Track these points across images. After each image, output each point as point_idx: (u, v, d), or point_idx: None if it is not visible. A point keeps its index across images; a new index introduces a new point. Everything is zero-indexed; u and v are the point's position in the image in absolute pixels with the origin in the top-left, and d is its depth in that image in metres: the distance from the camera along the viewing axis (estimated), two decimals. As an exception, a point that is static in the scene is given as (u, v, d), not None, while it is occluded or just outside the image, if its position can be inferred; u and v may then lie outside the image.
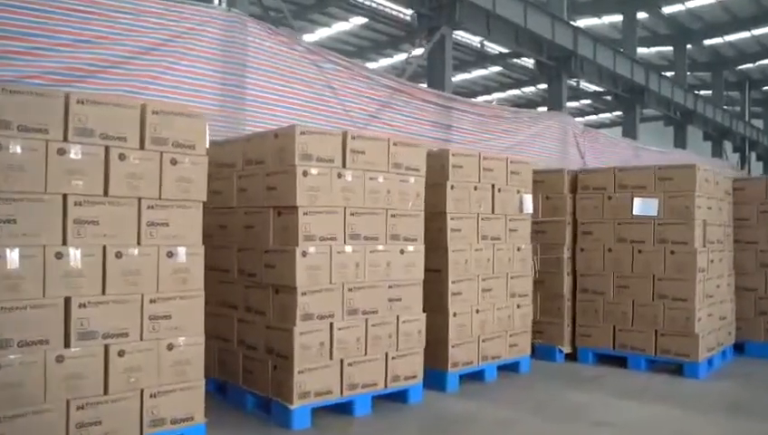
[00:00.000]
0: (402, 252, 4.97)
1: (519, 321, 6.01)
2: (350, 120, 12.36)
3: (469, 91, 27.58)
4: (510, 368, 6.07)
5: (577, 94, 26.58)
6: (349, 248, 4.66)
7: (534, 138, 16.73)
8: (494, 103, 28.29)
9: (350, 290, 4.66)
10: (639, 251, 6.29)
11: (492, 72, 25.98)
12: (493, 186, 5.78)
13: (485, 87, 27.52)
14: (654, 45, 23.56)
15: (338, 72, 13.02)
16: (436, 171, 5.53)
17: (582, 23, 21.88)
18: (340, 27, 21.68)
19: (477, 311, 5.63)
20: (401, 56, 24.37)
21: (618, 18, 21.26)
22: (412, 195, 5.05)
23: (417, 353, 5.08)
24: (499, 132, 16.15)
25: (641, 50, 23.56)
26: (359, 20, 21.04)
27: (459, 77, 26.57)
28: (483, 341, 5.68)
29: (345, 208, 4.61)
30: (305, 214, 4.42)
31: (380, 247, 4.85)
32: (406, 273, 4.99)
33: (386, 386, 4.87)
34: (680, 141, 22.46)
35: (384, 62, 25.10)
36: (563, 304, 6.62)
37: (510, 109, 18.72)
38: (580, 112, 30.32)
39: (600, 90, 23.18)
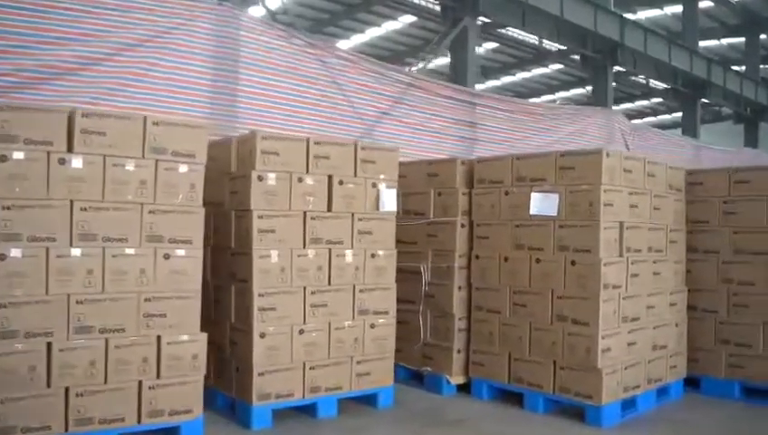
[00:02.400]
0: (167, 257, 3.89)
1: (372, 345, 4.71)
2: (359, 117, 11.35)
3: (530, 90, 25.82)
4: (364, 401, 4.82)
5: (633, 94, 24.35)
6: (77, 252, 3.65)
7: (574, 136, 15.04)
8: (558, 103, 26.45)
9: (78, 302, 3.65)
10: (537, 260, 4.86)
11: (553, 71, 24.21)
12: (330, 177, 4.56)
13: (548, 86, 25.69)
14: (724, 37, 21.06)
15: (344, 68, 12.06)
16: (245, 159, 4.42)
17: (643, 14, 19.81)
18: (389, 26, 20.77)
19: (301, 331, 4.43)
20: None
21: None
22: (183, 187, 3.97)
23: (193, 383, 3.98)
24: (532, 130, 14.64)
25: (710, 42, 21.14)
26: (408, 18, 20.05)
27: (519, 76, 24.93)
28: (311, 368, 4.46)
29: (72, 202, 3.61)
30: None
31: (130, 251, 3.80)
32: (172, 283, 3.90)
33: (139, 422, 3.82)
34: (751, 140, 19.89)
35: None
36: (453, 325, 5.27)
37: (544, 105, 17.11)
38: (639, 114, 27.78)
39: (658, 88, 21.02)
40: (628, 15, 17.96)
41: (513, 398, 4.96)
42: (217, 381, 4.63)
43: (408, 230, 5.50)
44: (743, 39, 20.63)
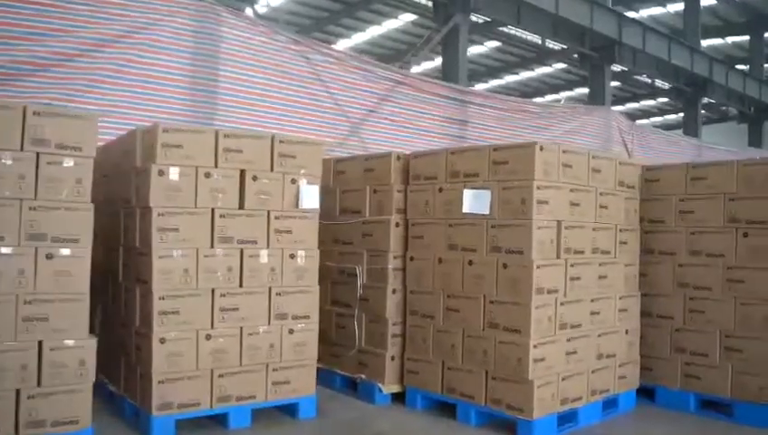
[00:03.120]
0: (49, 257, 3.59)
1: (291, 351, 4.37)
2: (344, 114, 11.05)
3: (534, 89, 25.36)
4: (284, 411, 4.49)
5: (638, 94, 23.76)
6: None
7: (570, 135, 14.64)
8: (562, 102, 25.95)
9: (-58, 306, 3.36)
10: (470, 262, 4.50)
11: (556, 70, 23.73)
12: (242, 172, 4.24)
13: (552, 85, 25.21)
14: (728, 35, 20.46)
15: (328, 64, 11.77)
16: (148, 152, 4.10)
17: (645, 12, 19.28)
18: (390, 24, 20.45)
19: (208, 337, 4.11)
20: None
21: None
22: (68, 182, 3.65)
23: (80, 391, 3.66)
24: (525, 129, 14.27)
25: (715, 41, 20.57)
26: (408, 16, 19.74)
27: (523, 75, 24.47)
28: (220, 376, 4.13)
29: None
30: None
31: (6, 251, 3.48)
32: (56, 284, 3.58)
33: (17, 433, 3.53)
34: (755, 140, 19.30)
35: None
36: (387, 330, 4.91)
37: (538, 103, 16.68)
38: (645, 114, 27.14)
39: (664, 87, 20.46)
40: (630, 13, 17.47)
41: (447, 409, 4.59)
42: (126, 388, 4.33)
43: (345, 230, 5.17)
44: (747, 37, 20.03)
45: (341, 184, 5.24)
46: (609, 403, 4.75)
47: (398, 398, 4.87)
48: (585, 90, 24.28)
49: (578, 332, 4.42)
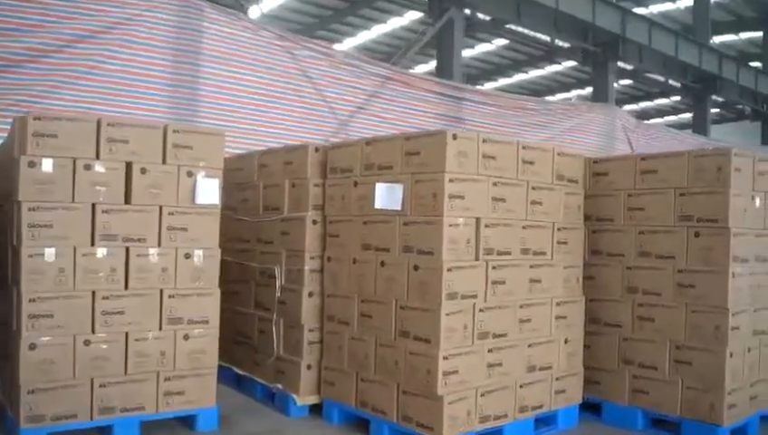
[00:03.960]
0: None
1: (186, 359, 3.94)
2: (331, 111, 10.70)
3: (545, 87, 24.68)
4: (182, 424, 4.07)
5: (651, 92, 22.89)
6: None
7: (571, 132, 14.07)
8: (573, 100, 25.21)
9: None
10: (382, 264, 4.05)
11: (566, 68, 23.04)
12: (129, 164, 3.82)
13: (562, 83, 24.50)
14: (741, 31, 19.58)
15: (315, 60, 11.40)
16: (20, 143, 3.72)
17: (655, 8, 18.52)
18: (395, 23, 20.03)
19: (87, 342, 3.70)
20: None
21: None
22: None
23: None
24: (523, 126, 13.74)
25: (727, 37, 19.71)
26: (414, 15, 19.30)
27: (532, 73, 23.83)
28: (101, 386, 3.72)
29: None
30: None
31: None
32: None
33: None
34: (769, 138, 18.46)
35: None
36: (303, 337, 4.47)
37: (537, 100, 16.07)
38: (659, 113, 26.19)
39: (678, 85, 19.64)
40: (640, 10, 16.76)
41: (364, 425, 4.13)
42: (7, 398, 3.97)
43: (266, 228, 4.75)
44: (761, 33, 19.13)
45: (264, 178, 4.82)
46: (545, 421, 4.24)
47: (318, 410, 4.43)
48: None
49: (502, 341, 3.92)
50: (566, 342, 4.31)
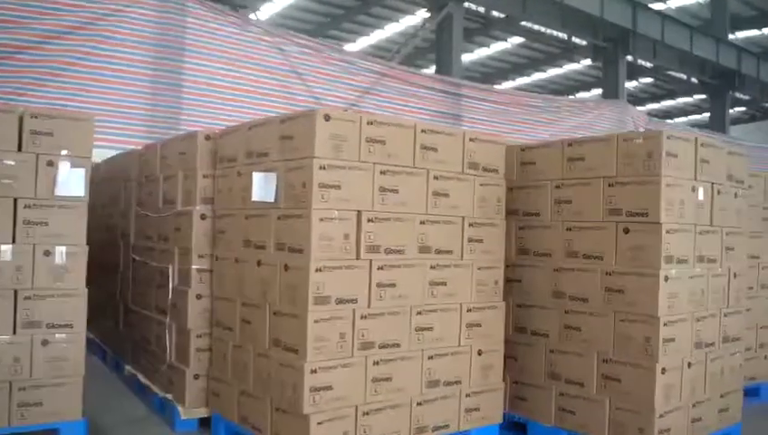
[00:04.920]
0: None
1: (46, 367, 3.45)
2: (321, 108, 10.32)
3: (563, 86, 23.79)
4: (44, 438, 3.66)
5: (673, 91, 21.83)
6: None
7: (578, 129, 13.37)
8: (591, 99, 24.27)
9: None
10: (259, 263, 3.54)
11: (585, 66, 22.13)
12: (-25, 152, 3.43)
13: (582, 82, 23.59)
14: (765, 26, 18.44)
15: (305, 56, 10.99)
16: None
17: (673, 3, 17.57)
18: (408, 21, 19.51)
19: None
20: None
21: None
22: None
23: None
24: (527, 123, 13.16)
25: (750, 33, 18.58)
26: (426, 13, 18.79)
27: (550, 72, 22.97)
28: (-62, 397, 3.35)
29: None
30: None
31: None
32: None
33: None
34: (795, 136, 17.32)
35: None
36: (190, 343, 4.00)
37: (541, 96, 15.36)
38: (682, 112, 24.97)
39: (694, 81, 18.64)
40: (657, 5, 15.88)
41: (250, 441, 3.66)
42: None
43: (164, 223, 4.30)
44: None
45: (165, 170, 4.37)
46: (455, 442, 3.69)
47: (208, 424, 3.94)
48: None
49: (393, 352, 3.37)
50: (480, 353, 3.73)
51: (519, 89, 21.92)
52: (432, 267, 3.53)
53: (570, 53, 20.81)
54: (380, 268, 3.32)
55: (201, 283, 3.93)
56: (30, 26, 8.19)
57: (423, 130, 3.52)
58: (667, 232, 3.39)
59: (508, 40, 20.63)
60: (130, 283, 4.82)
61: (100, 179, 5.40)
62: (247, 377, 3.54)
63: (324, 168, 3.15)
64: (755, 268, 4.87)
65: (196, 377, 3.92)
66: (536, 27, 18.84)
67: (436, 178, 3.55)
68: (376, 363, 3.32)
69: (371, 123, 3.32)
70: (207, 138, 3.98)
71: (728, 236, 3.84)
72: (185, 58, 9.48)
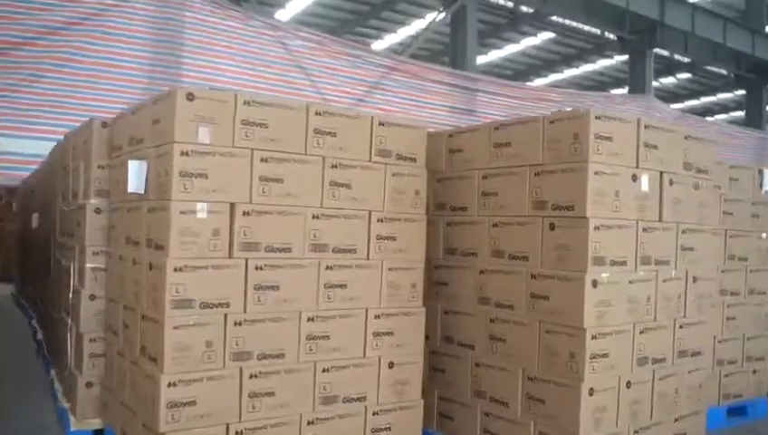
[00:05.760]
0: None
1: None
2: (327, 103, 9.98)
3: (597, 82, 22.85)
4: None
5: (713, 86, 20.62)
6: None
7: None
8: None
9: None
10: (134, 261, 3.14)
11: (618, 62, 21.14)
12: None
13: (615, 78, 22.57)
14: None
15: (309, 50, 10.67)
16: None
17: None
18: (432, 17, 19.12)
19: None
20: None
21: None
22: None
23: None
24: (543, 119, 12.49)
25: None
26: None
27: (582, 68, 22.02)
28: None
29: None
30: None
31: None
32: None
33: None
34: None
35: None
36: (83, 348, 3.58)
37: (562, 91, 14.63)
38: (723, 109, 23.56)
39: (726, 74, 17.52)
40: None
41: (137, 458, 3.27)
42: None
43: (70, 217, 3.97)
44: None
45: (73, 160, 4.02)
46: (357, 466, 3.21)
47: (103, 436, 3.59)
48: (653, 83, 21.59)
49: (275, 364, 2.91)
50: (391, 366, 3.24)
51: (551, 86, 21.14)
52: (328, 268, 3.06)
53: (602, 48, 19.95)
54: (259, 268, 2.88)
55: (95, 282, 3.55)
56: (27, 22, 8.06)
57: (317, 113, 3.05)
58: (596, 228, 2.84)
59: (538, 35, 19.90)
60: (51, 283, 4.53)
61: (46, 171, 5.14)
62: (125, 386, 3.15)
63: (187, 154, 2.73)
64: (742, 272, 4.22)
65: (89, 385, 3.54)
66: (566, 22, 18.16)
67: (334, 166, 3.08)
68: (254, 376, 2.87)
69: (249, 103, 2.88)
70: (104, 125, 3.59)
71: (686, 234, 3.26)
72: (184, 53, 9.25)
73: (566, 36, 19.37)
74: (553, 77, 22.50)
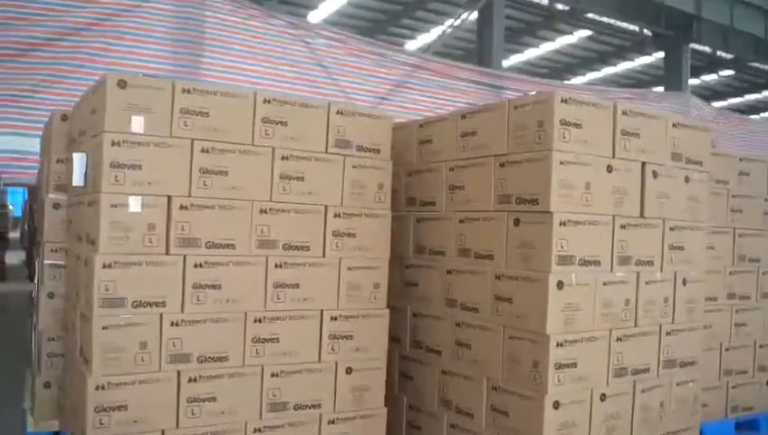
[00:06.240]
0: None
1: None
2: (350, 104, 9.94)
3: (635, 81, 22.04)
4: None
5: (757, 83, 19.62)
6: None
7: None
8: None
9: None
10: (77, 257, 2.96)
11: (658, 59, 20.32)
12: None
13: (655, 76, 21.73)
14: None
15: (330, 49, 10.55)
16: None
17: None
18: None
19: None
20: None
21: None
22: None
23: None
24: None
25: None
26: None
27: (621, 66, 21.22)
28: None
29: None
30: None
31: None
32: None
33: None
34: None
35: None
36: (42, 347, 3.43)
37: (595, 88, 14.10)
38: None
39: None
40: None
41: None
42: None
43: (39, 214, 3.87)
44: None
45: (42, 156, 3.93)
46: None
47: (67, 438, 3.46)
48: (695, 81, 20.71)
49: (217, 367, 2.70)
50: (349, 371, 3.01)
51: (589, 84, 20.52)
52: (278, 266, 2.84)
53: (640, 45, 19.24)
54: (198, 266, 2.68)
55: (53, 280, 3.41)
56: (46, 23, 8.12)
57: (266, 100, 2.84)
58: (562, 224, 2.54)
59: (574, 33, 19.33)
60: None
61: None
62: (72, 388, 3.01)
63: (118, 144, 2.55)
64: (754, 274, 3.84)
65: (47, 385, 3.40)
66: (603, 19, 17.57)
67: (285, 158, 2.86)
68: (192, 380, 2.68)
69: (188, 91, 2.68)
70: (64, 118, 3.46)
71: (674, 231, 2.92)
72: (204, 52, 9.20)
73: (603, 34, 18.77)
74: (591, 75, 21.87)
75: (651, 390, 2.86)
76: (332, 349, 2.97)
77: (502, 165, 2.75)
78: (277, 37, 9.84)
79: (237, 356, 2.77)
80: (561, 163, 2.54)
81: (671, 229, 2.91)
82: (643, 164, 2.80)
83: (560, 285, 2.53)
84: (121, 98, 2.56)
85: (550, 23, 18.26)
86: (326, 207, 2.96)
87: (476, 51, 12.74)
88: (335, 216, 2.98)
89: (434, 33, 19.42)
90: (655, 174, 2.84)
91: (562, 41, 19.72)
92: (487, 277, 2.80)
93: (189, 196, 2.67)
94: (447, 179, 3.05)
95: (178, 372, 2.65)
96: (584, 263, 2.61)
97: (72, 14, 8.41)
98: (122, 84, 2.57)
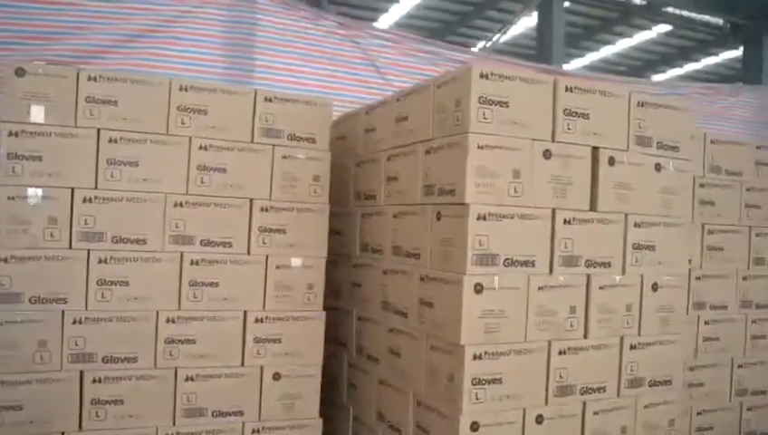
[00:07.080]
0: None
1: None
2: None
3: (721, 77, 20.33)
4: None
5: None
6: None
7: (712, 120, 11.23)
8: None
9: None
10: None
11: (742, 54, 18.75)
12: None
13: (741, 71, 20.03)
14: None
15: (382, 49, 10.42)
16: None
17: None
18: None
19: None
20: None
21: None
22: None
23: None
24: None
25: None
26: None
27: (704, 62, 19.66)
28: None
29: None
30: None
31: None
32: None
33: None
34: None
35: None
36: None
37: (661, 83, 13.04)
38: None
39: None
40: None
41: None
42: None
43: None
44: None
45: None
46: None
47: None
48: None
49: (125, 369, 2.51)
50: (277, 377, 2.72)
51: (669, 81, 19.17)
52: (194, 263, 2.61)
53: (723, 39, 17.74)
54: (103, 261, 2.50)
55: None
56: (102, 31, 8.39)
57: (183, 88, 2.62)
58: (481, 218, 2.15)
59: (653, 29, 18.11)
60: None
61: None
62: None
63: (16, 134, 2.42)
64: (764, 278, 3.23)
65: None
66: (684, 13, 16.36)
67: (203, 148, 2.63)
68: (97, 381, 2.49)
69: (95, 79, 2.50)
70: (26, 113, 3.42)
71: (640, 228, 2.44)
72: (256, 55, 9.24)
73: (683, 28, 17.46)
74: (672, 72, 20.39)
75: (608, 412, 2.39)
76: (258, 353, 2.70)
77: (427, 152, 2.39)
78: (327, 38, 9.71)
79: (148, 357, 2.56)
80: (480, 147, 2.15)
81: (636, 226, 2.43)
82: (594, 149, 2.35)
83: (478, 288, 2.14)
84: (19, 87, 2.42)
85: (627, 18, 17.20)
86: (251, 200, 2.70)
87: (536, 49, 12.13)
88: (262, 210, 2.71)
89: (507, 34, 18.81)
90: (612, 161, 2.37)
91: (640, 37, 18.54)
92: (413, 279, 2.44)
93: (95, 188, 2.49)
94: (385, 170, 2.72)
95: (81, 373, 2.47)
96: (511, 263, 2.21)
97: (129, 22, 8.61)
98: (21, 72, 2.42)
